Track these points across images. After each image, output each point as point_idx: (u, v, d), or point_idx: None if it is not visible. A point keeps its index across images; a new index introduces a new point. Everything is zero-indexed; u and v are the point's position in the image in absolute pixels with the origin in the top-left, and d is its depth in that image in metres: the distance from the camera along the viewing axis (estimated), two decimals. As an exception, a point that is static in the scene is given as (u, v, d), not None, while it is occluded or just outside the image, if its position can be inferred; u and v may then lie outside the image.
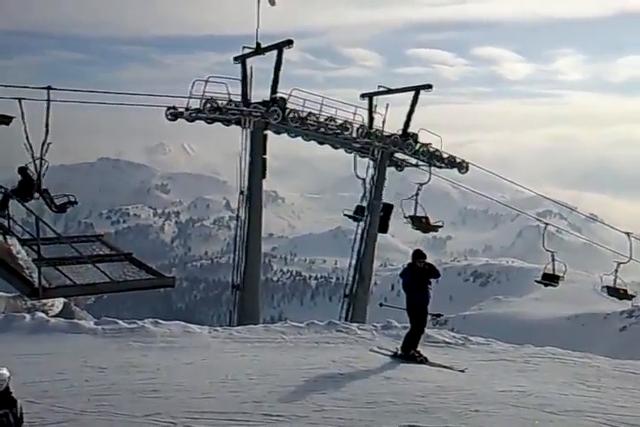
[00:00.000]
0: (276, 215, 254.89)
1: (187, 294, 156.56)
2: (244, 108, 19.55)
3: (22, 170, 15.51)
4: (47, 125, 14.66)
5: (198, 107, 19.31)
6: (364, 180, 22.32)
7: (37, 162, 15.60)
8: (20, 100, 13.79)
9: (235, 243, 20.39)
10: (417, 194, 21.88)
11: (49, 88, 14.80)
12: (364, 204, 22.64)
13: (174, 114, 19.51)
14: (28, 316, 10.50)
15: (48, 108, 14.54)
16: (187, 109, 19.45)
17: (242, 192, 20.02)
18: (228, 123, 20.29)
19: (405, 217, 22.14)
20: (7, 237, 16.65)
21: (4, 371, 4.83)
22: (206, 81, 19.06)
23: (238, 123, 19.73)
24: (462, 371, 9.68)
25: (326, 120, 20.93)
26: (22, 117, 14.50)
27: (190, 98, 19.22)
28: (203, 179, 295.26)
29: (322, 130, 21.03)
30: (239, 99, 19.95)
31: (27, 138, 14.08)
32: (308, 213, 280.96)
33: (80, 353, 9.27)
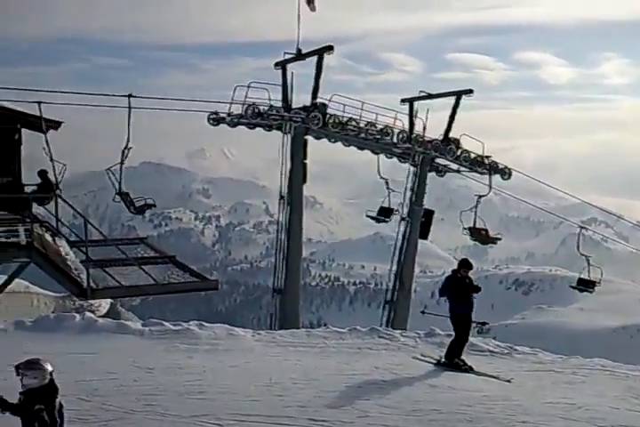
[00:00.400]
0: (315, 220, 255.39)
1: (227, 297, 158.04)
2: (285, 114, 19.72)
3: (42, 173, 15.97)
4: (128, 132, 15.74)
5: (240, 112, 19.56)
6: (387, 181, 22.13)
7: (117, 167, 16.45)
8: (39, 103, 14.28)
9: (275, 247, 20.52)
10: (476, 206, 21.65)
11: (130, 96, 15.65)
12: (388, 205, 22.52)
13: (216, 119, 19.79)
14: (77, 316, 10.76)
15: (129, 114, 15.44)
16: (229, 115, 19.70)
17: (282, 197, 20.17)
18: (269, 128, 20.49)
19: (464, 228, 21.93)
20: (56, 238, 17.16)
21: (48, 366, 4.83)
22: (248, 86, 19.26)
23: (279, 128, 19.91)
24: (509, 381, 9.48)
25: (366, 125, 20.92)
26: (41, 120, 14.98)
27: (232, 103, 19.48)
28: (243, 183, 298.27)
29: (362, 135, 20.99)
30: (280, 104, 20.13)
31: (46, 142, 14.69)
32: (347, 219, 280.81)
33: (128, 353, 9.44)
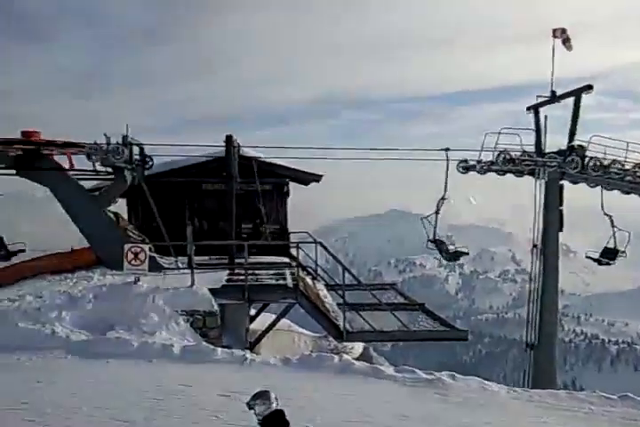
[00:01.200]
0: (568, 270, 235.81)
1: (471, 347, 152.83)
2: (539, 159, 19.02)
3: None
4: (446, 184, 18.19)
5: (491, 159, 19.34)
6: (611, 218, 19.32)
7: (433, 216, 18.57)
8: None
9: (528, 298, 19.52)
10: None
11: (447, 149, 17.39)
12: (614, 245, 19.59)
13: (466, 167, 19.79)
14: (336, 357, 11.36)
15: (447, 167, 17.87)
16: (478, 162, 19.59)
17: (535, 245, 19.29)
18: (520, 174, 19.85)
19: None
20: (315, 281, 18.61)
21: (272, 395, 5.11)
22: (498, 133, 19.01)
23: (531, 173, 19.22)
24: None
25: (634, 167, 19.09)
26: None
27: (482, 151, 19.36)
28: (487, 230, 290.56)
29: (628, 178, 19.17)
30: (532, 149, 19.50)
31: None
32: (605, 269, 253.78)
33: (382, 399, 9.65)
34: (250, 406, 5.12)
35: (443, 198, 18.80)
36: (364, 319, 15.09)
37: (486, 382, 10.64)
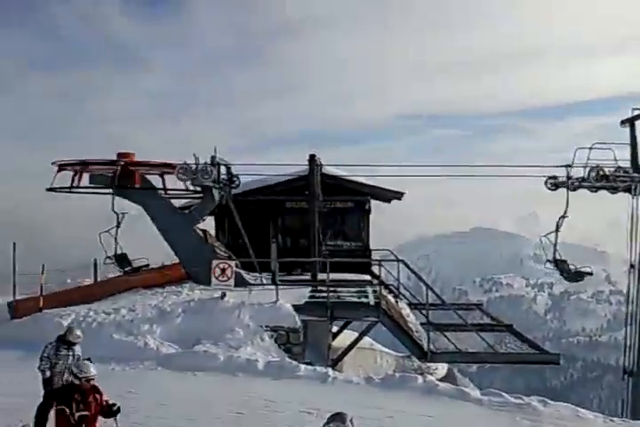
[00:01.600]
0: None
1: (562, 371, 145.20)
2: (636, 175, 18.09)
3: None
4: (567, 201, 18.07)
5: (582, 175, 18.57)
6: None
7: (552, 235, 18.21)
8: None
9: (625, 321, 18.46)
10: None
11: (568, 166, 17.84)
12: None
13: (555, 184, 19.08)
14: (420, 377, 11.17)
15: (567, 184, 17.91)
16: (569, 178, 18.84)
17: (632, 266, 18.29)
18: (614, 190, 18.94)
19: None
20: (398, 300, 18.43)
21: (348, 417, 4.97)
22: (590, 148, 18.25)
23: (627, 190, 18.30)
24: None
25: None
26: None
27: (571, 167, 18.63)
28: (579, 249, 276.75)
29: None
30: (628, 164, 18.55)
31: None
32: None
33: (468, 422, 9.38)
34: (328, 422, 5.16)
35: (563, 217, 18.29)
36: (448, 340, 14.78)
37: (580, 409, 10.12)
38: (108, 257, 17.73)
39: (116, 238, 17.87)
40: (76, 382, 6.14)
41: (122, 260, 18.01)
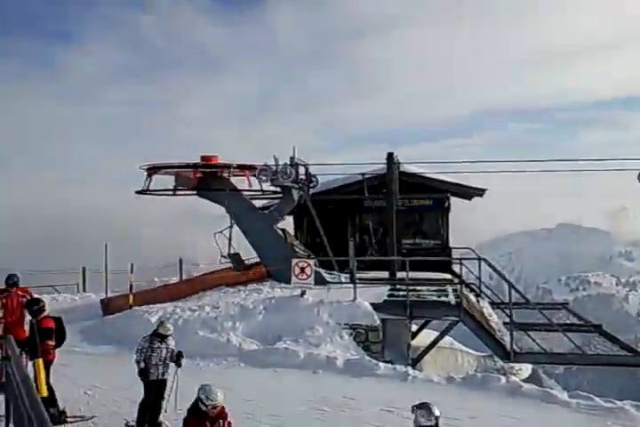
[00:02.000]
0: None
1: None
2: None
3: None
4: None
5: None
6: None
7: None
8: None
9: None
10: None
11: None
12: None
13: (648, 177, 18.08)
14: (502, 378, 10.92)
15: None
16: (662, 171, 17.80)
17: None
18: None
19: None
20: (479, 299, 18.04)
21: (436, 411, 5.08)
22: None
23: None
24: None
25: None
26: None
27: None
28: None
29: None
30: None
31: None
32: None
33: (554, 426, 9.10)
34: (413, 410, 5.21)
35: None
36: (533, 340, 14.35)
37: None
38: (223, 256, 18.27)
39: (229, 238, 18.33)
40: (203, 408, 5.97)
41: (236, 259, 18.49)
